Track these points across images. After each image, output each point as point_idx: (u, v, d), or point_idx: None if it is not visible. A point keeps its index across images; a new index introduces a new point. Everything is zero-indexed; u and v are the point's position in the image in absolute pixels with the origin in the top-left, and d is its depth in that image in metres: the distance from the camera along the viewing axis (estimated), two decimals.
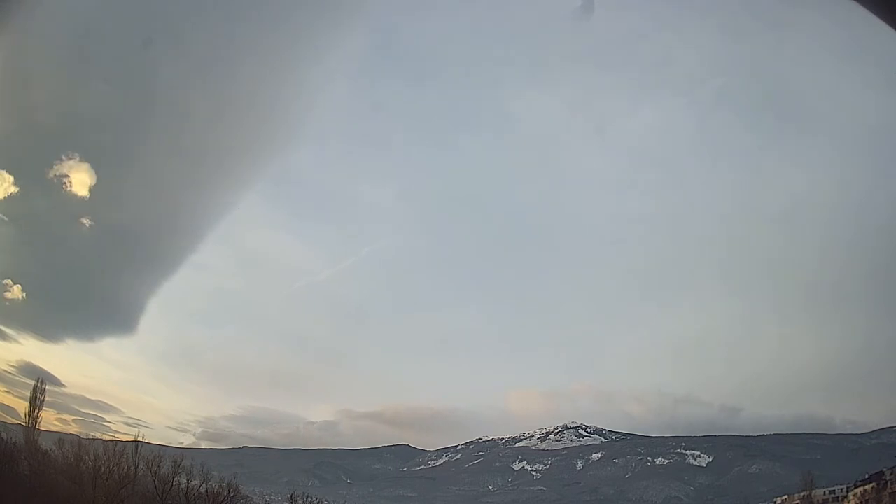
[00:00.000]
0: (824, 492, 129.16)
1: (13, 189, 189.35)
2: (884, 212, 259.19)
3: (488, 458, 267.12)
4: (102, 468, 72.55)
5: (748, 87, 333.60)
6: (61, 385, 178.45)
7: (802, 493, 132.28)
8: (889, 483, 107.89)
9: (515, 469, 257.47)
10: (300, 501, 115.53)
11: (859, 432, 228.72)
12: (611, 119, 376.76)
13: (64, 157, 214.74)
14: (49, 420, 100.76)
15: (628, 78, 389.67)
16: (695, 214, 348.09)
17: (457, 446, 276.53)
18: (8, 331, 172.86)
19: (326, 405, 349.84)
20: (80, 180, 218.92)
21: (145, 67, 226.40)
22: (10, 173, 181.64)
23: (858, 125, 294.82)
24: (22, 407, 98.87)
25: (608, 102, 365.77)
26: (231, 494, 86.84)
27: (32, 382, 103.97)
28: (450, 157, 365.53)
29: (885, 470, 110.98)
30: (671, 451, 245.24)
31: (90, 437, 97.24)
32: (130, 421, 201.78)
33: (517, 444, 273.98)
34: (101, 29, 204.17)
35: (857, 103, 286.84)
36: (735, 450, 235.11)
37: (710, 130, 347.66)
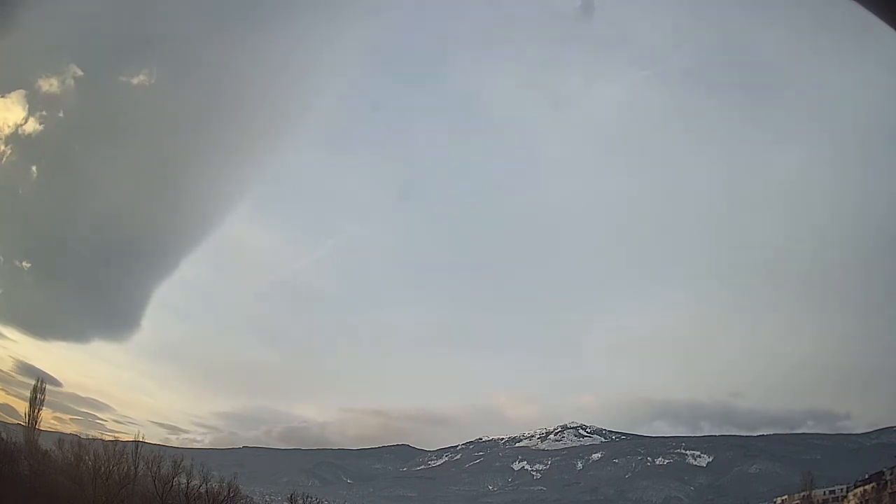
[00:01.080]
0: (824, 492, 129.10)
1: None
2: (883, 202, 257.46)
3: (488, 458, 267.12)
4: (102, 468, 72.49)
5: (719, 62, 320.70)
6: (58, 385, 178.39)
7: (802, 493, 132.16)
8: (889, 483, 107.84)
9: (515, 469, 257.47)
10: (300, 501, 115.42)
11: (859, 432, 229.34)
12: (576, 98, 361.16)
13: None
14: (45, 419, 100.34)
15: (586, 53, 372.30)
16: (677, 197, 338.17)
17: (457, 446, 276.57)
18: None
19: (326, 405, 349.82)
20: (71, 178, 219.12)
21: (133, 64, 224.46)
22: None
23: (849, 105, 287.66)
24: (21, 407, 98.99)
25: (568, 80, 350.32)
26: (231, 494, 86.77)
27: (29, 381, 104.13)
28: (424, 148, 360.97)
29: (885, 470, 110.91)
30: (671, 451, 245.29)
31: (90, 437, 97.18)
32: (127, 420, 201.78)
33: (517, 444, 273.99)
34: (92, 27, 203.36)
35: (847, 84, 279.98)
36: (735, 450, 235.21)
37: (681, 106, 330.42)
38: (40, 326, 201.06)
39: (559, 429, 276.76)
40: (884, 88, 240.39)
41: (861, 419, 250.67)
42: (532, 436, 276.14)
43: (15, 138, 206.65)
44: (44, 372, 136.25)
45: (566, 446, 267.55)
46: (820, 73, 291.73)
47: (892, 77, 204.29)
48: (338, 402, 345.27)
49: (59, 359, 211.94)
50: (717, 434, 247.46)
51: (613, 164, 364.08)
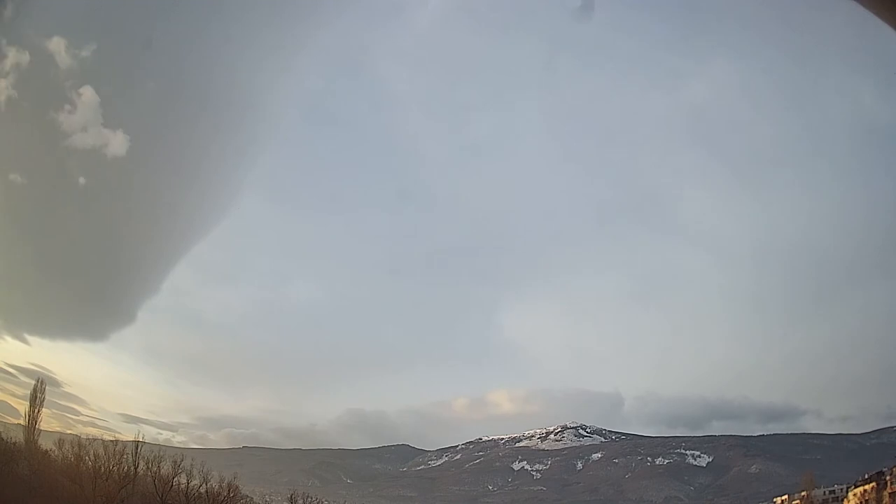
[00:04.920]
0: (824, 492, 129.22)
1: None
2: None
3: (488, 458, 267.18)
4: (102, 468, 72.56)
5: None
6: (60, 385, 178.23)
7: (802, 493, 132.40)
8: (889, 483, 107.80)
9: (515, 469, 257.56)
10: (300, 501, 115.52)
11: (859, 432, 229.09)
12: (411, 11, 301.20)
13: None
14: (43, 418, 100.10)
15: None
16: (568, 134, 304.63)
17: (457, 446, 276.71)
18: None
19: (327, 405, 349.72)
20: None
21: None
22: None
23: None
24: (21, 407, 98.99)
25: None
26: (231, 494, 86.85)
27: (28, 381, 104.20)
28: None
29: (885, 470, 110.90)
30: (671, 451, 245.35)
31: (90, 436, 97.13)
32: (126, 420, 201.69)
33: (517, 444, 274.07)
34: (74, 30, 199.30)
35: None
36: (735, 450, 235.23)
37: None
38: (37, 325, 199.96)
39: (559, 429, 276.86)
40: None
41: (861, 419, 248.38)
42: (532, 436, 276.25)
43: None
44: (44, 372, 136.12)
45: (566, 446, 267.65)
46: None
47: None
48: (338, 403, 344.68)
49: (57, 358, 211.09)
50: (717, 434, 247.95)
51: (473, 97, 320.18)
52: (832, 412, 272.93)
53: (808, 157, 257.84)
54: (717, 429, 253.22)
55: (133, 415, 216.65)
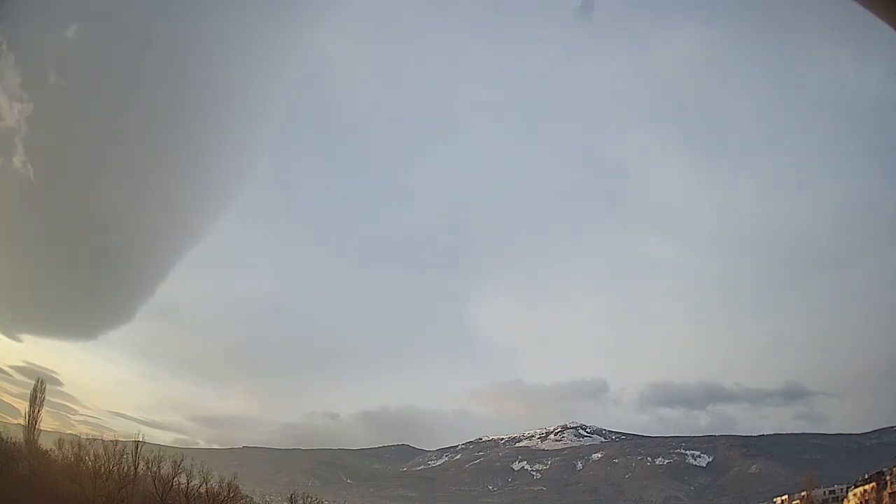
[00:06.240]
0: (824, 492, 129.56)
1: None
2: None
3: (488, 458, 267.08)
4: (102, 468, 72.76)
5: None
6: (57, 384, 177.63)
7: (802, 493, 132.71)
8: (889, 483, 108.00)
9: (515, 469, 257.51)
10: (300, 501, 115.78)
11: (859, 432, 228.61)
12: None
13: None
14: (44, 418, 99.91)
15: None
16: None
17: (457, 446, 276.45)
18: None
19: (326, 405, 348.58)
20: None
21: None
22: None
23: None
24: (18, 405, 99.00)
25: None
26: (231, 494, 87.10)
27: (23, 379, 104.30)
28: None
29: (885, 470, 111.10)
30: (671, 451, 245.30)
31: (90, 436, 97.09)
32: (122, 419, 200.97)
33: (517, 444, 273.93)
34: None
35: None
36: (735, 450, 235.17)
37: None
38: (31, 323, 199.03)
39: (559, 429, 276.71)
40: None
41: (861, 419, 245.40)
42: (532, 436, 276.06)
43: None
44: (39, 369, 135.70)
45: (566, 446, 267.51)
46: None
47: None
48: (338, 402, 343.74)
49: (52, 356, 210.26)
50: (717, 434, 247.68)
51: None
52: (830, 405, 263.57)
53: (785, 132, 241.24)
54: (712, 417, 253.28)
55: (129, 414, 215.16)
